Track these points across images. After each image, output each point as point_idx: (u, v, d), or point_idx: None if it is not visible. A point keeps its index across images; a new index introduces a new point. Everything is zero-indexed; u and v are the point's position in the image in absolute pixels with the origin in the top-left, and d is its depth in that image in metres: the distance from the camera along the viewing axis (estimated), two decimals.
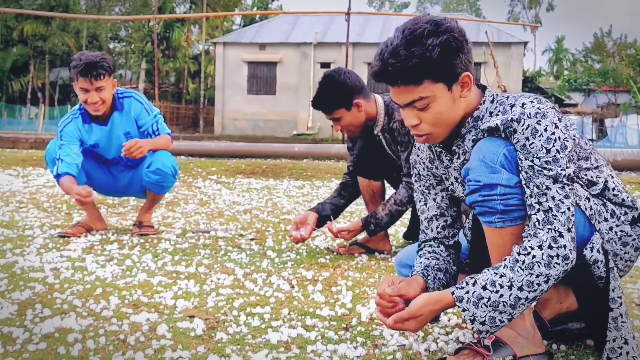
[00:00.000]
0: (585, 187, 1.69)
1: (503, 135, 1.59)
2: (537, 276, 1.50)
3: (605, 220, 1.68)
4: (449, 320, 2.08)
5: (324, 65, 25.69)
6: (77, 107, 3.59)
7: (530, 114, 1.55)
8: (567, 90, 34.06)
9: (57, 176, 3.42)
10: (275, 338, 1.86)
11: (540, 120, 1.54)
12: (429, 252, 1.85)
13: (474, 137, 1.66)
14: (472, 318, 1.52)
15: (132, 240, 3.44)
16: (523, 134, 1.54)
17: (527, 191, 1.54)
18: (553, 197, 1.52)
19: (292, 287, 2.51)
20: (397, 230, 3.95)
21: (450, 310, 2.19)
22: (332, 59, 25.73)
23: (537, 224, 1.52)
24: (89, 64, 3.34)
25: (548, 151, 1.52)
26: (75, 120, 3.54)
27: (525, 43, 26.26)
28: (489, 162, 1.56)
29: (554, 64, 44.24)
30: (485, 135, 1.62)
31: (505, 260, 1.54)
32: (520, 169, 1.56)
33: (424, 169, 1.87)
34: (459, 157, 1.72)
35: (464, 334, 1.94)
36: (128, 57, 39.57)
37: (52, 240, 3.35)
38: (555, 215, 1.51)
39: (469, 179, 1.60)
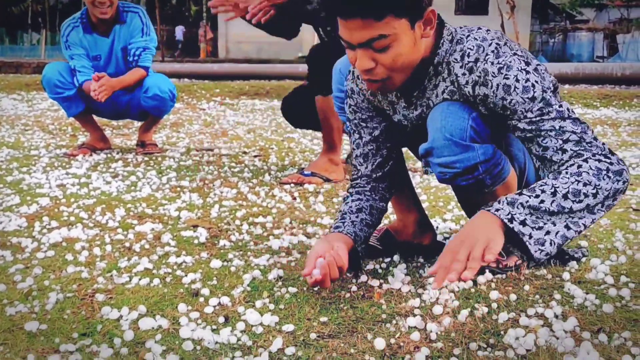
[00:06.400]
0: None
1: (474, 100, 1.43)
2: (584, 184, 1.34)
3: None
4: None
5: None
6: (77, 14, 3.54)
7: (493, 72, 1.39)
8: (578, 5, 33.11)
9: (80, 85, 3.44)
10: (276, 244, 1.91)
11: (507, 75, 1.38)
12: (352, 200, 1.69)
13: (437, 90, 1.50)
14: (509, 217, 1.31)
15: (136, 158, 3.47)
16: (496, 95, 1.39)
17: (550, 142, 1.37)
18: (574, 132, 1.37)
19: (294, 198, 2.55)
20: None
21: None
22: None
23: (576, 156, 1.37)
24: None
25: (533, 99, 1.38)
26: (77, 29, 3.50)
27: None
28: (459, 140, 1.44)
29: None
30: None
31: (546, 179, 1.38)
32: (518, 131, 1.41)
33: (363, 101, 1.67)
34: (415, 109, 1.56)
35: None
36: None
37: (58, 160, 3.39)
38: (590, 142, 1.38)
39: (439, 162, 1.47)
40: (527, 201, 1.33)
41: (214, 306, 1.42)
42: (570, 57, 25.38)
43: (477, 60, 1.42)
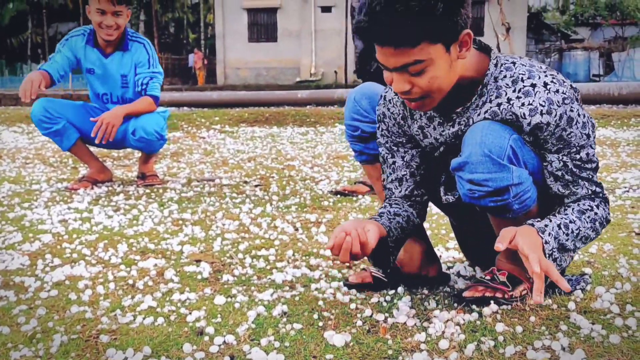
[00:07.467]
0: None
1: (527, 125, 1.46)
2: (593, 230, 1.53)
3: None
4: (447, 251, 2.12)
5: (325, 9, 25.23)
6: (88, 27, 3.59)
7: (558, 102, 1.44)
8: (573, 25, 33.42)
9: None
10: (280, 278, 1.91)
11: (572, 107, 1.45)
12: (390, 206, 1.71)
13: (480, 110, 1.51)
14: (551, 252, 1.43)
15: (137, 191, 3.48)
16: (558, 125, 1.44)
17: (580, 190, 1.53)
18: (596, 183, 1.55)
19: (296, 229, 2.55)
20: None
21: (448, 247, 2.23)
22: (333, 2, 25.25)
23: (590, 198, 1.55)
24: None
25: (588, 136, 1.48)
26: (82, 37, 3.55)
27: None
28: (496, 158, 1.44)
29: None
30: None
31: (567, 209, 1.52)
32: (560, 168, 1.50)
33: (394, 125, 1.69)
34: (453, 125, 1.56)
35: (464, 267, 1.97)
36: None
37: (59, 194, 3.39)
38: (601, 190, 1.57)
39: (470, 178, 1.47)
40: (561, 238, 1.46)
41: (219, 345, 1.42)
42: (566, 76, 25.39)
43: (533, 85, 1.46)
